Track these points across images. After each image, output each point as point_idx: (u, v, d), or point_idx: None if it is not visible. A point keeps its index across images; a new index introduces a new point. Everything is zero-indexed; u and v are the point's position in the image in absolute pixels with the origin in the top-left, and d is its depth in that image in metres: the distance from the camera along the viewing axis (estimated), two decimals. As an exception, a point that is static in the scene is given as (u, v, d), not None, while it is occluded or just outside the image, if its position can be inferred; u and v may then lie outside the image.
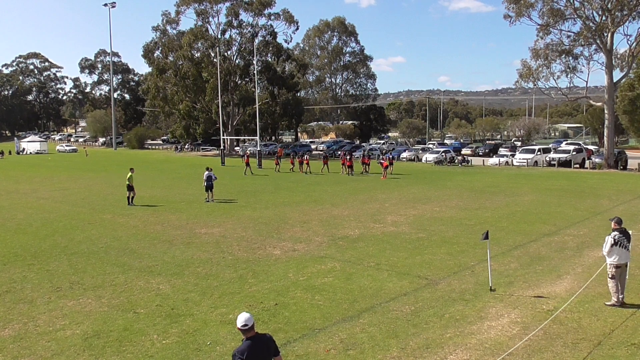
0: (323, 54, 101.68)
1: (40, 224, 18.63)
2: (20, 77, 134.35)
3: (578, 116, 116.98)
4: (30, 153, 70.87)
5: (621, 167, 40.90)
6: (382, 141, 79.66)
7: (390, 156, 41.52)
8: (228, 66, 64.28)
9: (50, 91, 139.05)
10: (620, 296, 9.89)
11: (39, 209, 22.10)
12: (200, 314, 9.59)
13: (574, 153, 44.42)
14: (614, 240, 9.81)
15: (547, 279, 11.55)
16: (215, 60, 60.50)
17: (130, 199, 22.70)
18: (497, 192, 26.59)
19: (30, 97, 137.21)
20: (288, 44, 70.84)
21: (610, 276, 9.91)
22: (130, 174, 22.90)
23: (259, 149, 48.61)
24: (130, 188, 22.63)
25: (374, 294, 10.62)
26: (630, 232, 10.20)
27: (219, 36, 66.90)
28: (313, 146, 71.68)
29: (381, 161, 37.65)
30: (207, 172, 24.06)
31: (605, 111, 41.71)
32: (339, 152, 51.65)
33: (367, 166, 38.76)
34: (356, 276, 11.88)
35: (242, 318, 5.20)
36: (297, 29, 68.69)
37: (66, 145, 79.30)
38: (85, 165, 47.56)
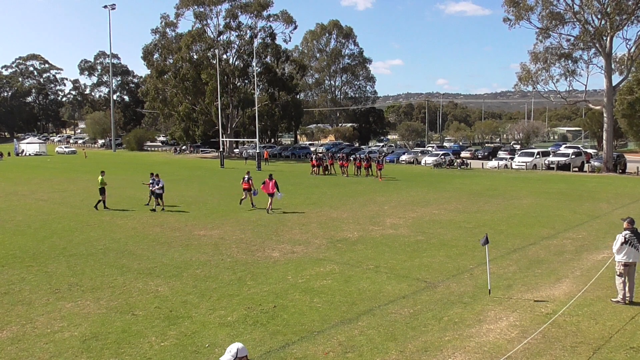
0: (322, 57, 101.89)
1: (38, 225, 18.61)
2: (20, 79, 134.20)
3: (577, 119, 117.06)
4: (29, 155, 70.64)
5: (620, 171, 40.93)
6: (381, 144, 79.73)
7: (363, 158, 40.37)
8: (227, 68, 64.31)
9: (49, 93, 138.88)
10: (627, 295, 10.04)
11: (38, 210, 22.08)
12: (199, 316, 9.58)
13: (573, 156, 44.44)
14: (625, 238, 10.02)
15: (545, 282, 11.55)
16: (214, 62, 60.54)
17: (99, 203, 21.91)
18: (495, 195, 26.60)
19: (29, 99, 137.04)
20: (287, 43, 71.01)
21: (618, 274, 10.14)
22: (101, 177, 22.08)
23: (258, 151, 48.64)
24: (102, 191, 21.91)
25: (373, 297, 10.61)
26: None
27: (218, 38, 66.97)
28: (312, 148, 71.75)
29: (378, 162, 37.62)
30: (157, 179, 21.92)
31: (604, 115, 41.77)
32: (338, 155, 51.64)
33: (369, 169, 38.75)
34: (355, 279, 11.87)
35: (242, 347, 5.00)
36: (296, 28, 68.83)
37: (65, 147, 79.15)
38: (84, 167, 47.48)
